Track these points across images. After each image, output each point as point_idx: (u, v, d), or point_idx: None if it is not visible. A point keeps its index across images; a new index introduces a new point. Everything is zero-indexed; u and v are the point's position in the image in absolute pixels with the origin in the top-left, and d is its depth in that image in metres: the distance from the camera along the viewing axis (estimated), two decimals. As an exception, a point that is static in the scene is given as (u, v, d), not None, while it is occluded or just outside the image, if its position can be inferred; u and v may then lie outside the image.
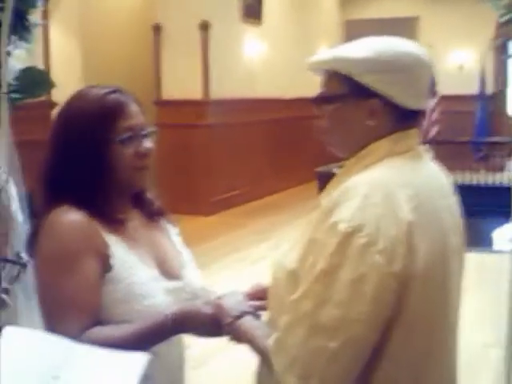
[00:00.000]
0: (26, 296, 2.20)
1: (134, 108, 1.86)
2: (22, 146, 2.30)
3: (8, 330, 1.60)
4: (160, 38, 9.81)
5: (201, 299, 1.87)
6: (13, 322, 2.26)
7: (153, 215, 2.00)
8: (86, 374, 1.49)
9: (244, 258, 7.30)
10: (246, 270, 6.66)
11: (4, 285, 2.28)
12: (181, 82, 9.67)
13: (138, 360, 1.52)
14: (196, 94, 9.70)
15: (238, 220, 9.39)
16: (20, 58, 2.13)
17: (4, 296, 2.26)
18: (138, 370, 1.50)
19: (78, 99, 1.86)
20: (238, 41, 10.62)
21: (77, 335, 1.68)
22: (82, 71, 8.21)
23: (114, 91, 1.86)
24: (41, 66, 6.16)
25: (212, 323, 1.75)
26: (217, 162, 9.74)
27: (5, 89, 2.06)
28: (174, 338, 1.82)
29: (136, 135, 1.84)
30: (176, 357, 1.96)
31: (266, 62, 11.33)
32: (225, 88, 9.93)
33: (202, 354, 4.48)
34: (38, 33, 2.31)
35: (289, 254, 1.67)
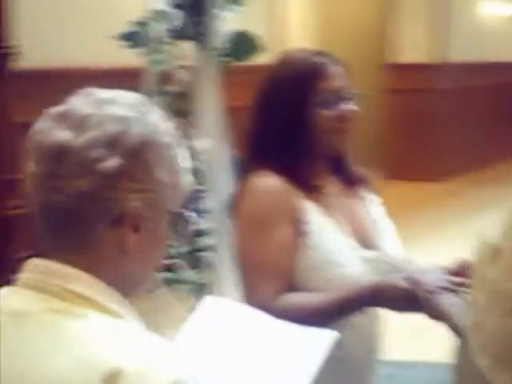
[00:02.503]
0: (230, 256, 2.25)
1: (336, 70, 1.82)
2: (238, 111, 2.31)
3: (208, 299, 1.65)
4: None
5: (399, 272, 1.80)
6: (216, 281, 2.34)
7: (353, 183, 1.96)
8: (274, 347, 1.50)
9: (460, 229, 7.05)
10: (460, 241, 6.44)
11: (209, 241, 2.35)
12: (411, 45, 9.43)
13: (328, 337, 1.50)
14: (426, 56, 9.41)
15: (460, 189, 9.10)
16: (232, 21, 2.16)
17: (210, 255, 2.34)
18: (325, 347, 1.48)
19: (280, 63, 1.87)
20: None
21: (271, 299, 1.70)
22: (318, 35, 8.21)
23: (317, 53, 1.84)
24: (263, 29, 6.30)
25: (408, 298, 1.68)
26: (443, 128, 9.45)
27: (216, 51, 2.10)
28: (369, 309, 1.78)
29: (337, 97, 1.81)
30: (371, 327, 1.92)
31: (499, 21, 10.74)
32: (454, 50, 9.55)
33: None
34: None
35: (496, 228, 1.56)
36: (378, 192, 2.01)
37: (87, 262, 1.08)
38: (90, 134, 1.06)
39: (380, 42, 9.75)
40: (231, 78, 2.29)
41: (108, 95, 1.12)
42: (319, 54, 1.84)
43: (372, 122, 9.87)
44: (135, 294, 1.15)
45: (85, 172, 1.05)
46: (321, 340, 1.50)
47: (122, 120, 1.08)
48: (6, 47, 4.65)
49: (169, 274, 2.40)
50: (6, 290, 1.12)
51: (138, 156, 1.07)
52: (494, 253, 1.51)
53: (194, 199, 2.31)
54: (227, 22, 2.24)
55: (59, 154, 1.06)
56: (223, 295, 2.17)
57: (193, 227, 2.32)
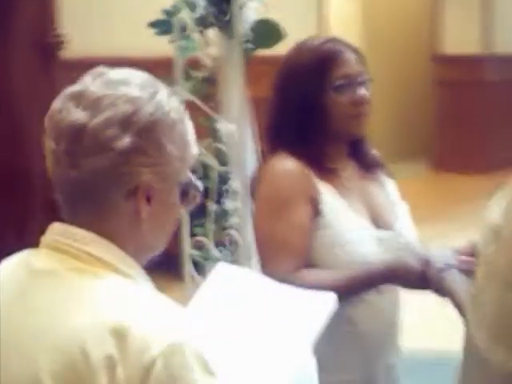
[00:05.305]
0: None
1: (349, 56, 1.89)
2: (261, 103, 2.35)
3: (221, 264, 1.75)
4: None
5: (412, 251, 1.86)
6: (241, 259, 2.42)
7: (369, 166, 2.02)
8: (278, 310, 1.59)
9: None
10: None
11: (234, 220, 2.43)
12: (459, 36, 9.29)
13: (328, 300, 1.58)
14: (475, 48, 9.28)
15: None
16: (256, 10, 2.22)
17: (235, 233, 2.42)
18: (327, 309, 1.57)
19: (295, 51, 1.94)
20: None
21: (286, 275, 1.77)
22: (362, 27, 8.18)
23: (330, 40, 1.91)
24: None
25: (418, 277, 1.75)
26: (492, 120, 9.30)
27: (239, 38, 2.16)
28: (386, 289, 1.85)
29: (351, 83, 1.87)
30: (388, 304, 1.97)
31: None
32: (503, 42, 9.36)
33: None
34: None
35: (497, 210, 1.60)
36: (392, 175, 2.06)
37: (104, 229, 1.18)
38: (105, 115, 1.14)
39: (429, 32, 9.65)
40: (256, 69, 2.36)
41: (120, 76, 1.20)
42: (332, 40, 1.91)
43: (422, 114, 9.81)
44: (147, 259, 1.24)
45: (101, 150, 1.14)
46: (322, 303, 1.59)
47: (134, 100, 1.16)
48: (55, 36, 4.80)
49: (196, 252, 2.50)
50: (30, 250, 1.23)
51: (150, 133, 1.16)
52: (494, 233, 1.55)
53: (219, 180, 2.39)
54: (257, 13, 2.30)
55: (76, 134, 1.14)
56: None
57: (219, 207, 2.40)
